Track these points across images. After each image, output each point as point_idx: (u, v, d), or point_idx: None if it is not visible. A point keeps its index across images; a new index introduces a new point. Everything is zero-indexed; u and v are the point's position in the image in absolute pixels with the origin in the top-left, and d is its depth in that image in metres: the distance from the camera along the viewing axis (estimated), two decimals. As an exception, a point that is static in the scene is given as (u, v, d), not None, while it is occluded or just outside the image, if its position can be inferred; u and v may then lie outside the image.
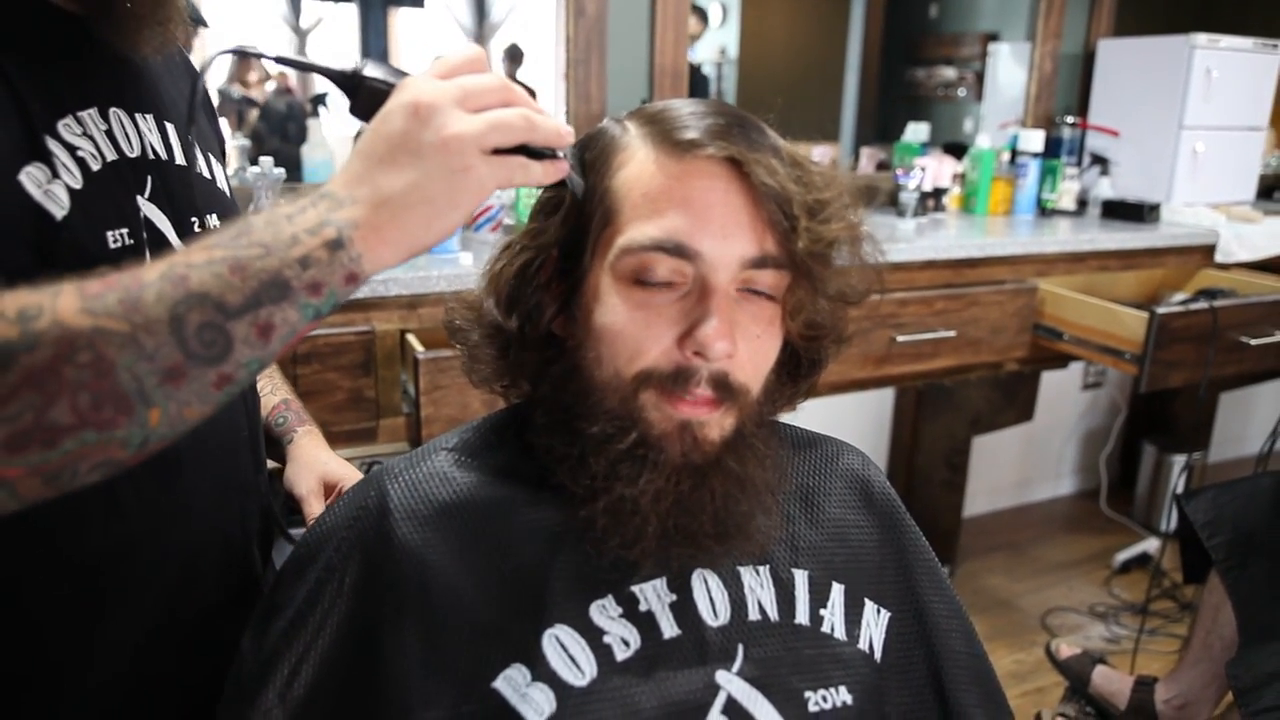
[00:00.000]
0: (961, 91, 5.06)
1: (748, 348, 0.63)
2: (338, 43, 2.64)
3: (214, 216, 0.76)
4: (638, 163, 0.63)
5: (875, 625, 0.70)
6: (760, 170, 0.60)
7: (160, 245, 0.70)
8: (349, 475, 0.95)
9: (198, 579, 0.76)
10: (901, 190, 2.33)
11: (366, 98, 0.59)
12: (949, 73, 5.18)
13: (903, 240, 2.09)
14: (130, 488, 0.68)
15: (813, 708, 0.64)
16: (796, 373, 0.72)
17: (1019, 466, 3.20)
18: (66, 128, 0.65)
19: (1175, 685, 1.71)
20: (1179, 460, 3.03)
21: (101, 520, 0.68)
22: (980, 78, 5.02)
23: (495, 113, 0.57)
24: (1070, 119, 2.79)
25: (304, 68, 0.64)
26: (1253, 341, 2.08)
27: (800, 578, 0.69)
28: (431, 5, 2.71)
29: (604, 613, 0.64)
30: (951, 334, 2.03)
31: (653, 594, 0.65)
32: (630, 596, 0.64)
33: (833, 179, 0.64)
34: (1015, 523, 3.13)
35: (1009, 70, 3.11)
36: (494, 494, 0.67)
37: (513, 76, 3.64)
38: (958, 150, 2.93)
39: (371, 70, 0.60)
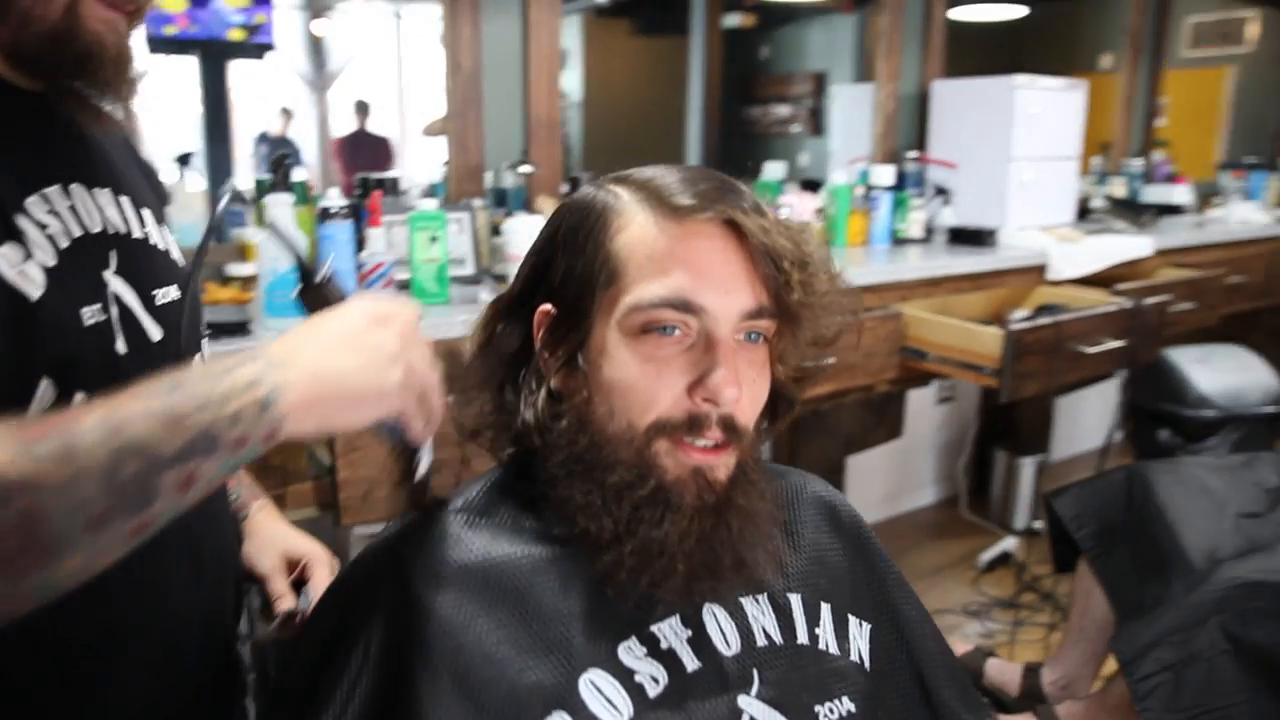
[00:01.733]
0: (796, 128, 5.37)
1: (748, 391, 0.69)
2: (176, 93, 2.58)
3: (173, 289, 0.76)
4: (638, 226, 0.68)
5: (860, 638, 0.76)
6: (755, 229, 0.66)
7: (129, 321, 0.70)
8: (312, 550, 0.94)
9: (181, 656, 0.75)
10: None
11: (324, 296, 0.68)
12: (783, 110, 5.48)
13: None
14: (118, 570, 0.68)
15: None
16: (774, 412, 0.78)
17: (886, 481, 3.40)
18: (35, 205, 0.64)
19: (1059, 667, 1.88)
20: (1027, 463, 3.30)
21: (89, 604, 0.67)
22: (813, 114, 5.32)
23: (425, 363, 0.65)
24: (913, 154, 3.03)
25: (286, 245, 0.72)
26: (1089, 350, 2.32)
27: (795, 601, 0.75)
28: (270, 56, 2.68)
29: (631, 653, 0.67)
30: (831, 360, 2.17)
31: (670, 632, 0.69)
32: (651, 636, 0.69)
33: (807, 231, 0.71)
34: (887, 534, 3.32)
35: (858, 109, 3.34)
36: (508, 550, 0.69)
37: (362, 129, 3.61)
38: (812, 186, 3.13)
39: (332, 281, 0.70)
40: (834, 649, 0.74)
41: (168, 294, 0.74)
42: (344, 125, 3.55)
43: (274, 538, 0.95)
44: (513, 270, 1.85)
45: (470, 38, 2.22)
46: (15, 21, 0.64)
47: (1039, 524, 3.26)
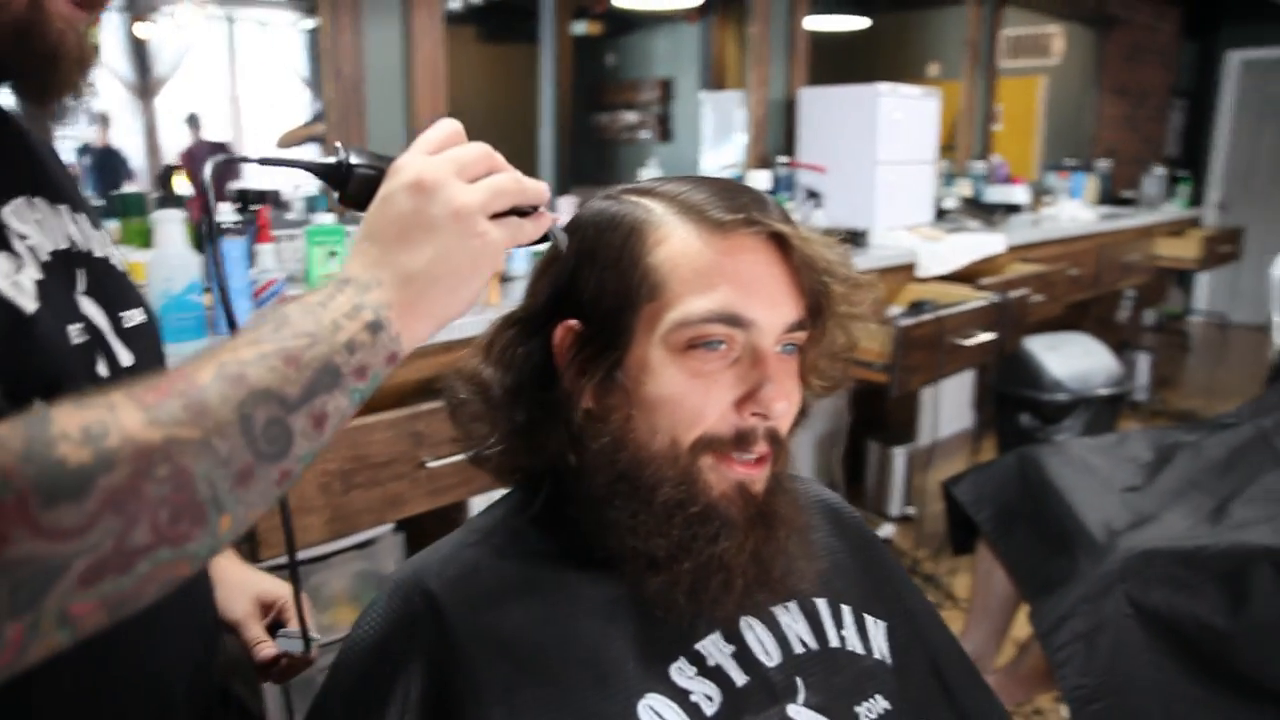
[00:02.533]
0: (644, 134, 5.45)
1: (788, 402, 0.69)
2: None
3: (137, 311, 0.70)
4: (679, 240, 0.67)
5: (878, 635, 0.77)
6: (799, 242, 0.66)
7: (102, 344, 0.64)
8: (285, 592, 0.88)
9: (171, 708, 0.71)
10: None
11: (358, 185, 0.61)
12: (631, 117, 5.55)
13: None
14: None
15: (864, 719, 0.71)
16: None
17: (768, 476, 3.49)
18: (11, 215, 0.59)
19: (966, 644, 1.97)
20: (899, 452, 3.46)
21: (82, 658, 0.62)
22: (661, 120, 5.41)
23: (492, 179, 0.60)
24: (783, 159, 3.13)
25: (290, 164, 0.66)
26: (965, 343, 2.45)
27: (821, 605, 0.75)
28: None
29: (683, 674, 0.66)
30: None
31: (714, 648, 0.68)
32: (697, 654, 0.68)
33: (837, 242, 0.71)
34: (772, 528, 3.41)
35: (724, 115, 3.41)
36: (544, 576, 0.68)
37: (204, 139, 3.41)
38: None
39: (355, 158, 0.61)
40: (860, 649, 0.75)
41: (133, 317, 0.69)
42: (174, 135, 3.35)
43: (243, 582, 0.89)
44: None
45: (351, 44, 2.14)
46: None
47: (912, 510, 3.42)
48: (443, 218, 0.56)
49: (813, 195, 3.08)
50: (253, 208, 1.75)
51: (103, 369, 0.63)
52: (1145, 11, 5.47)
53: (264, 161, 0.65)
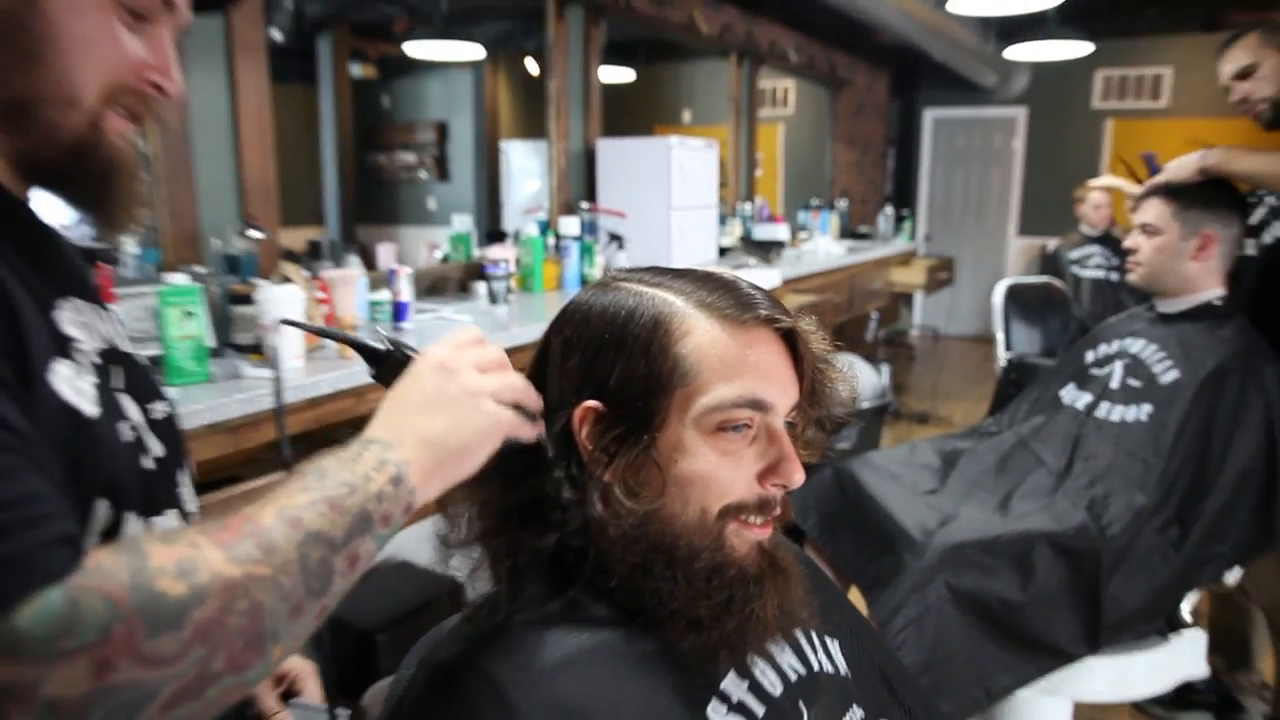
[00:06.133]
0: (422, 174, 5.41)
1: (803, 473, 0.73)
2: None
3: (161, 404, 0.69)
4: (705, 333, 0.71)
5: (836, 652, 0.84)
6: (808, 336, 0.74)
7: (140, 439, 0.63)
8: (293, 661, 0.86)
9: None
10: (492, 280, 2.52)
11: (395, 365, 0.68)
12: (408, 157, 5.49)
13: (513, 325, 2.28)
14: None
15: None
16: None
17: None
18: (68, 320, 0.58)
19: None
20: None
21: None
22: (438, 161, 5.40)
23: (505, 375, 0.67)
24: (585, 204, 3.23)
25: (340, 339, 0.75)
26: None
27: (799, 636, 0.81)
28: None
29: (718, 713, 0.70)
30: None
31: (734, 687, 0.73)
32: (723, 694, 0.72)
33: (821, 331, 0.78)
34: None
35: (526, 163, 3.47)
36: (586, 642, 0.69)
37: None
38: (497, 237, 3.20)
39: (396, 348, 0.70)
40: (830, 668, 0.81)
41: (158, 409, 0.69)
42: None
43: None
44: (274, 341, 1.73)
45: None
46: (38, 133, 0.57)
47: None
48: (459, 395, 0.63)
49: (615, 238, 3.20)
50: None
51: (147, 463, 0.63)
52: (863, 73, 6.09)
53: (321, 333, 0.77)
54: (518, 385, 0.67)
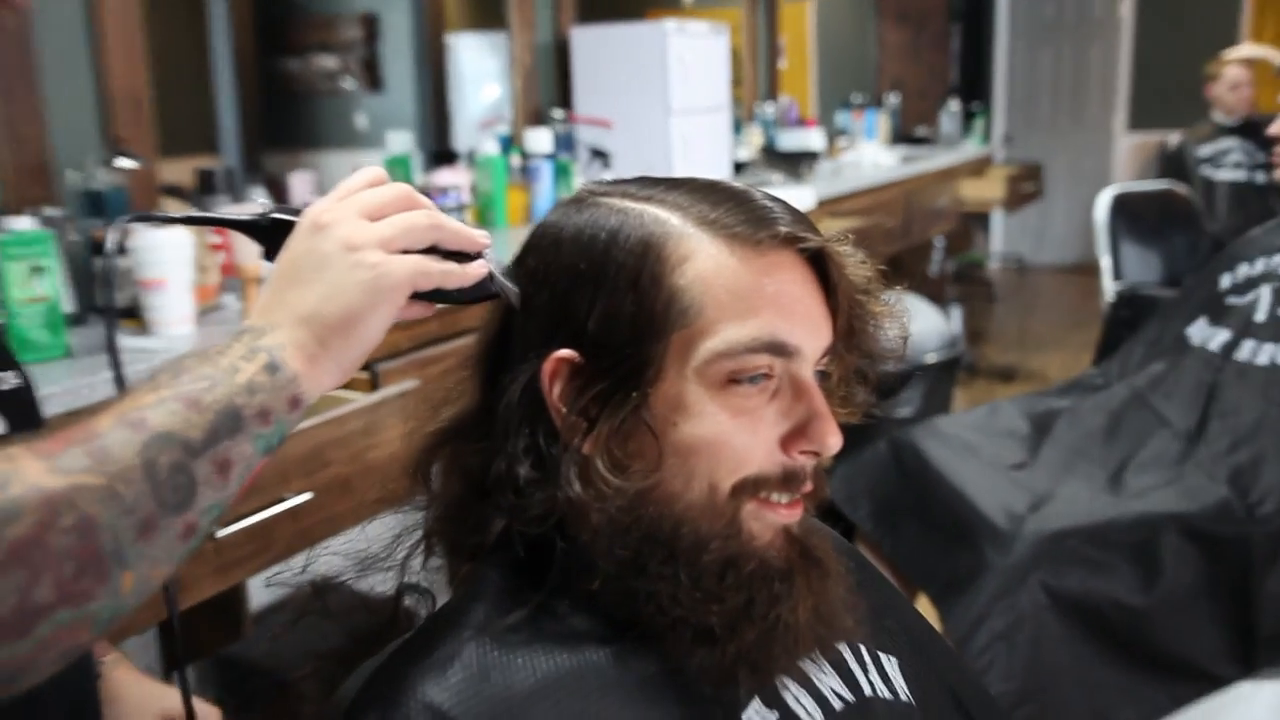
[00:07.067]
0: (347, 82, 5.34)
1: (839, 436, 0.71)
2: None
3: (10, 374, 0.75)
4: (709, 257, 0.69)
5: (895, 673, 0.83)
6: (843, 261, 0.71)
7: None
8: (197, 706, 0.89)
9: None
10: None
11: (277, 236, 0.69)
12: (328, 61, 5.41)
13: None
14: None
15: None
16: None
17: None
18: None
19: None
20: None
21: None
22: (368, 65, 5.32)
23: (400, 215, 0.67)
24: (560, 113, 3.17)
25: (212, 222, 0.78)
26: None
27: (845, 652, 0.79)
28: None
29: None
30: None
31: (758, 718, 0.71)
32: None
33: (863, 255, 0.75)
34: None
35: (480, 63, 3.40)
36: (564, 664, 0.68)
37: None
38: (446, 158, 3.15)
39: (278, 213, 0.71)
40: (887, 693, 0.80)
41: (5, 379, 0.74)
42: None
43: (146, 698, 0.95)
44: (152, 301, 1.69)
45: (8, -14, 1.95)
46: None
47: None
48: (333, 253, 0.64)
49: (599, 155, 3.15)
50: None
51: None
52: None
53: (187, 221, 0.78)
54: (418, 221, 0.67)
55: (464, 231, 0.69)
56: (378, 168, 0.70)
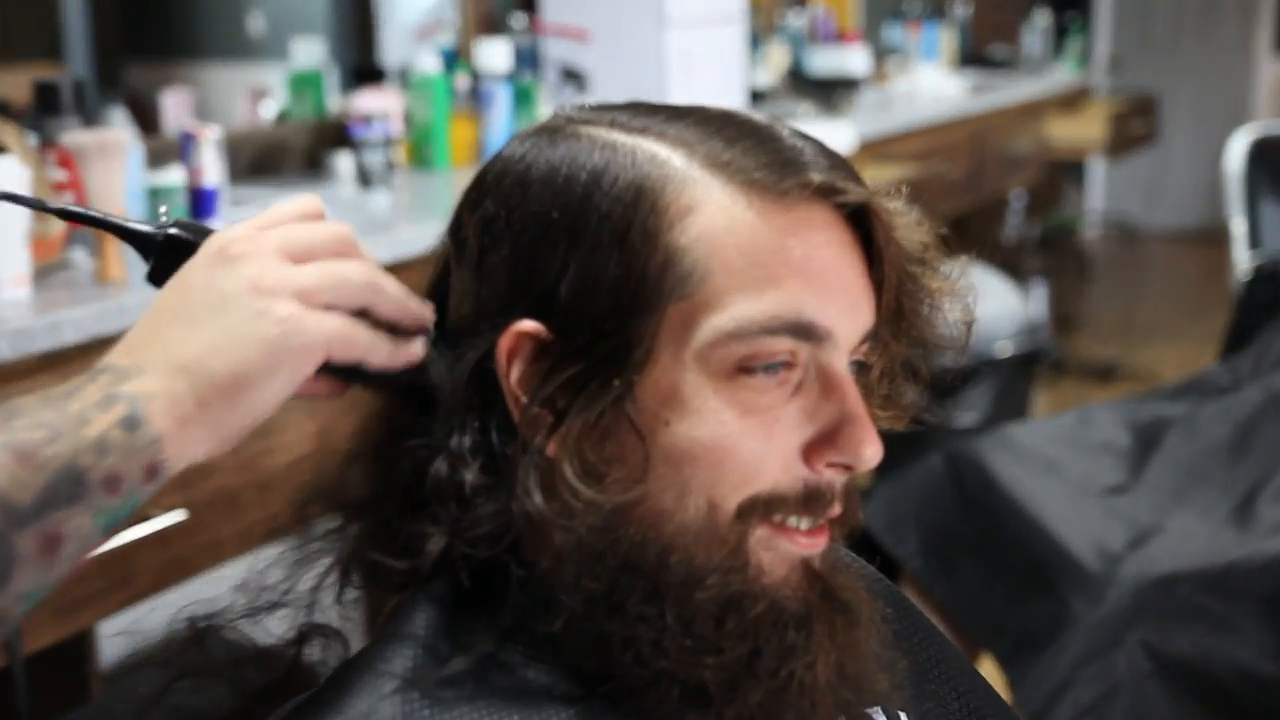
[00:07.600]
0: (227, -25, 5.36)
1: (879, 445, 0.72)
2: None
3: None
4: (719, 210, 0.69)
5: None
6: (893, 221, 0.72)
7: None
8: None
9: None
10: (364, 149, 2.48)
11: (173, 257, 0.71)
12: (212, -60, 5.44)
13: (399, 223, 2.27)
14: None
15: None
16: None
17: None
18: None
19: None
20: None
21: None
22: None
23: (329, 262, 0.68)
24: (521, 20, 3.18)
25: (94, 223, 0.77)
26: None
27: (877, 714, 0.80)
28: None
29: None
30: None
31: None
32: None
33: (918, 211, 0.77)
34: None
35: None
36: None
37: None
38: (372, 76, 3.16)
39: (177, 230, 0.73)
40: None
41: None
42: None
43: None
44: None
45: None
46: None
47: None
48: (236, 294, 0.65)
49: (572, 77, 3.17)
50: None
51: None
52: None
53: (64, 215, 0.81)
54: (353, 276, 0.68)
55: (406, 300, 0.70)
56: (314, 198, 0.71)
